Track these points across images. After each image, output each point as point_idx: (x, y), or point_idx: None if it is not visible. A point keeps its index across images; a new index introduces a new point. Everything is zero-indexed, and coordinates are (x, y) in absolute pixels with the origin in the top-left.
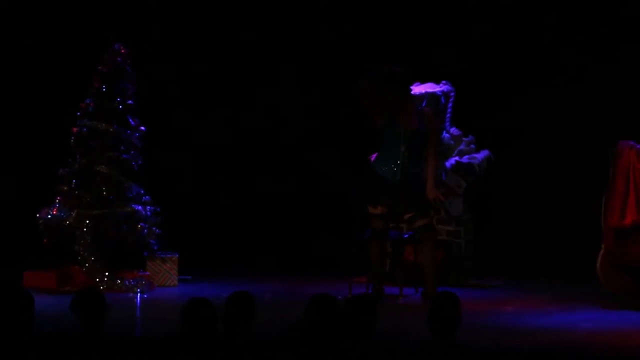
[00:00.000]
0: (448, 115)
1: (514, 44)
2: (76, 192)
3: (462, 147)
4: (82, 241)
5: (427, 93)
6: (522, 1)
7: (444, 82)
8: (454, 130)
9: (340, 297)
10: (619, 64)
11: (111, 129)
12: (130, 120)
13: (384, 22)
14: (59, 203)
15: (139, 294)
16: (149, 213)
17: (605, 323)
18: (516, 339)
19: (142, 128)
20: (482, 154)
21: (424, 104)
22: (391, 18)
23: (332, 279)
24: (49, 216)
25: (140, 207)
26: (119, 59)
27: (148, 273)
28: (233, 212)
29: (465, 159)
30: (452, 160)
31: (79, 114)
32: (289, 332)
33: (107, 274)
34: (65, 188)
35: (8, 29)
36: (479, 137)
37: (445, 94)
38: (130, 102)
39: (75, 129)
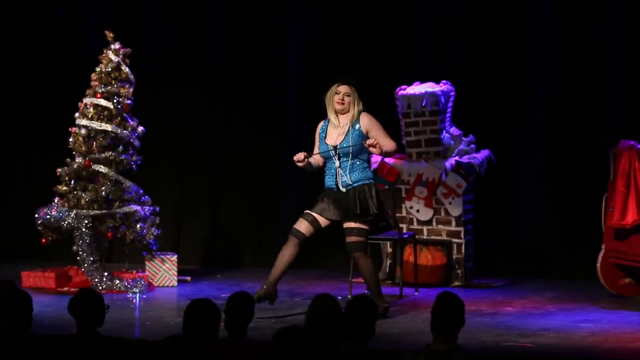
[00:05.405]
0: (448, 115)
1: (513, 43)
2: (75, 192)
3: (462, 147)
4: (80, 241)
5: (427, 93)
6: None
7: (444, 81)
8: (454, 130)
9: (340, 297)
10: (620, 63)
11: (109, 129)
12: (129, 119)
13: (382, 21)
14: (57, 203)
15: (137, 295)
16: (147, 213)
17: (606, 323)
18: (517, 339)
19: (141, 128)
20: (483, 154)
21: (423, 103)
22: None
23: (332, 279)
24: (48, 216)
25: (139, 207)
26: (117, 58)
27: (147, 273)
28: (233, 212)
29: (465, 159)
30: (452, 160)
31: (77, 113)
32: (289, 332)
33: (105, 274)
34: (64, 188)
35: (7, 29)
36: (479, 137)
37: (445, 93)
38: (128, 101)
39: (73, 129)
